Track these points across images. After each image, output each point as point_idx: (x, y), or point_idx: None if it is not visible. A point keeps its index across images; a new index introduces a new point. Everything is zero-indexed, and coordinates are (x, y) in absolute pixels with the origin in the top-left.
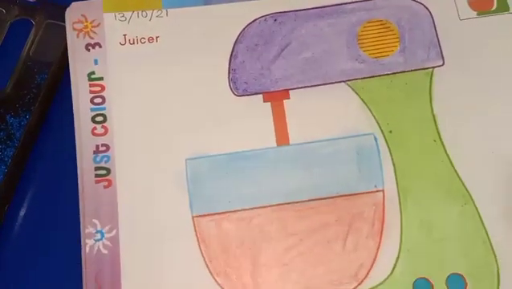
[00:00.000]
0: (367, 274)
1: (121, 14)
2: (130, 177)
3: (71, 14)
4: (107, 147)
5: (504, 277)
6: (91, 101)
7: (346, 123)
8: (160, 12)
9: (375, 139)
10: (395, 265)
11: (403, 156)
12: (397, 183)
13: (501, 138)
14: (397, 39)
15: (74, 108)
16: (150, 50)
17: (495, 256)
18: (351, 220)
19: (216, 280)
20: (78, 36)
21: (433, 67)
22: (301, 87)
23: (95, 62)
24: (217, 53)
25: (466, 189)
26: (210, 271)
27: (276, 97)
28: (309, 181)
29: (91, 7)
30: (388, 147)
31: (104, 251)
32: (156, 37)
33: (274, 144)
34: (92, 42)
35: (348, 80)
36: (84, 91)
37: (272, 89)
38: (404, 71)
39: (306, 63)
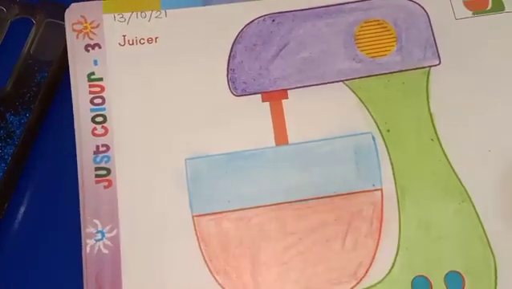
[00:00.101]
0: (366, 272)
1: (120, 15)
2: (130, 177)
3: (71, 15)
4: (107, 147)
5: (502, 274)
6: (91, 102)
7: (344, 122)
8: (158, 13)
9: (373, 138)
10: (393, 263)
11: (400, 155)
12: (395, 182)
13: (498, 136)
14: (394, 39)
15: (74, 109)
16: (149, 51)
17: (493, 254)
18: (350, 219)
19: (216, 279)
20: (77, 37)
21: (430, 66)
22: (299, 87)
23: (95, 62)
24: (216, 53)
25: (464, 188)
26: (210, 270)
27: (274, 97)
28: (308, 180)
29: (90, 8)
30: (386, 146)
31: (105, 251)
32: (155, 37)
33: (273, 144)
34: (92, 42)
35: (346, 80)
36: (84, 92)
37: (270, 89)
38: (401, 71)
39: (304, 62)
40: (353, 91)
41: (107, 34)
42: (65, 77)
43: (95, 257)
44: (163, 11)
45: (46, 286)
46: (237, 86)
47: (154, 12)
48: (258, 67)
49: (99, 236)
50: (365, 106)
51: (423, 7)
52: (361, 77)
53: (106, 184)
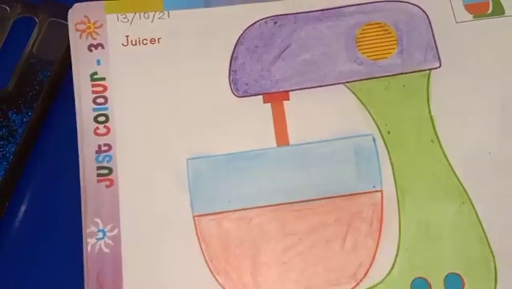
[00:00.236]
0: (366, 273)
1: (123, 16)
2: (132, 176)
3: (74, 15)
4: (110, 146)
5: (501, 276)
6: (94, 101)
7: (344, 124)
8: (161, 14)
9: (374, 139)
10: (393, 264)
11: (401, 156)
12: (395, 183)
13: (498, 138)
14: (395, 42)
15: (76, 108)
16: (152, 52)
17: (493, 255)
18: (350, 220)
19: (216, 279)
20: (80, 37)
21: (430, 69)
22: (300, 89)
23: (98, 62)
24: (218, 54)
25: (464, 189)
26: (211, 270)
27: (276, 98)
28: (308, 181)
29: (93, 8)
30: (387, 147)
31: (106, 250)
32: (158, 38)
33: (274, 145)
34: (95, 42)
35: (347, 82)
36: (87, 92)
37: (272, 90)
38: (402, 73)
39: (306, 64)
40: (354, 93)
41: (110, 35)
42: (67, 76)
43: (96, 256)
44: (166, 12)
45: (46, 286)
46: (239, 87)
47: (157, 13)
48: (260, 68)
49: (100, 235)
50: (366, 108)
51: (424, 10)
52: (362, 79)
53: (107, 183)
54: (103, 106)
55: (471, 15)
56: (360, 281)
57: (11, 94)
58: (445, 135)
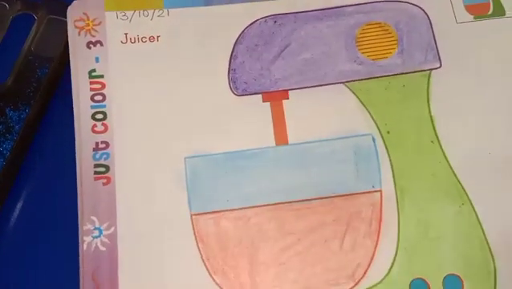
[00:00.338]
0: (364, 274)
1: (123, 13)
2: (129, 174)
3: (73, 12)
4: (107, 144)
5: (501, 278)
6: (92, 99)
7: (344, 123)
8: (161, 12)
9: (373, 139)
10: (392, 265)
11: (401, 156)
12: (395, 183)
13: (499, 139)
14: (395, 42)
15: (74, 105)
16: (151, 50)
17: (492, 257)
18: (349, 220)
19: (213, 279)
20: (79, 34)
21: (431, 69)
22: (300, 88)
23: (96, 60)
24: (218, 53)
25: (464, 190)
26: (208, 270)
27: (275, 97)
28: (307, 180)
29: (92, 6)
30: (386, 147)
31: (102, 248)
32: (157, 36)
33: (273, 144)
34: (94, 40)
35: (347, 82)
36: (85, 89)
37: (271, 89)
38: (402, 73)
39: (306, 64)
40: (354, 93)
41: (109, 32)
42: (66, 74)
43: (92, 254)
44: (165, 10)
45: (42, 284)
46: (238, 86)
47: (157, 11)
48: (260, 67)
49: (96, 233)
50: (365, 108)
51: (424, 11)
52: (362, 79)
53: (105, 181)
54: (101, 103)
55: (472, 16)
56: (359, 281)
57: (9, 90)
58: (445, 135)
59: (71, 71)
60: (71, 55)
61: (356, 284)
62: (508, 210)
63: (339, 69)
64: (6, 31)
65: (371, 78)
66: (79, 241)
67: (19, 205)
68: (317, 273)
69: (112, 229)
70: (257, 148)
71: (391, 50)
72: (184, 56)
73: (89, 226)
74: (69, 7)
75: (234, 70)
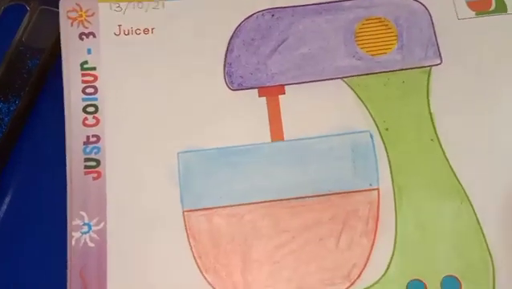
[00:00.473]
0: (360, 274)
1: (117, 5)
2: (120, 169)
3: (66, 3)
4: (98, 138)
5: (500, 279)
6: (83, 91)
7: (341, 119)
8: (156, 4)
9: (371, 136)
10: (388, 265)
11: (399, 154)
12: (393, 181)
13: (499, 137)
14: (395, 37)
15: (65, 98)
16: (145, 42)
17: (491, 257)
18: (346, 218)
19: (205, 277)
20: (72, 25)
21: (431, 66)
22: (297, 83)
23: (89, 51)
24: (213, 47)
25: (463, 188)
26: (199, 268)
27: (271, 92)
28: (303, 177)
29: None
30: (384, 145)
31: (91, 244)
32: (152, 28)
33: (269, 140)
34: (86, 31)
35: (345, 77)
36: (76, 81)
37: (268, 84)
38: (402, 69)
39: (303, 58)
40: (352, 89)
41: (102, 23)
42: (57, 65)
43: (81, 250)
44: (160, 2)
45: (28, 281)
46: (234, 80)
47: (151, 3)
48: (256, 61)
49: (85, 229)
50: (364, 104)
51: (425, 6)
52: (360, 75)
53: (95, 175)
54: (92, 96)
55: (473, 12)
56: (354, 282)
57: None
58: (445, 133)
59: (63, 62)
60: (62, 47)
61: (352, 284)
62: (507, 210)
63: (337, 64)
64: None
65: (370, 74)
66: (68, 236)
67: (7, 199)
68: (312, 272)
69: (102, 224)
70: (252, 143)
71: (390, 46)
72: (180, 49)
73: (78, 222)
74: None
75: (230, 64)
